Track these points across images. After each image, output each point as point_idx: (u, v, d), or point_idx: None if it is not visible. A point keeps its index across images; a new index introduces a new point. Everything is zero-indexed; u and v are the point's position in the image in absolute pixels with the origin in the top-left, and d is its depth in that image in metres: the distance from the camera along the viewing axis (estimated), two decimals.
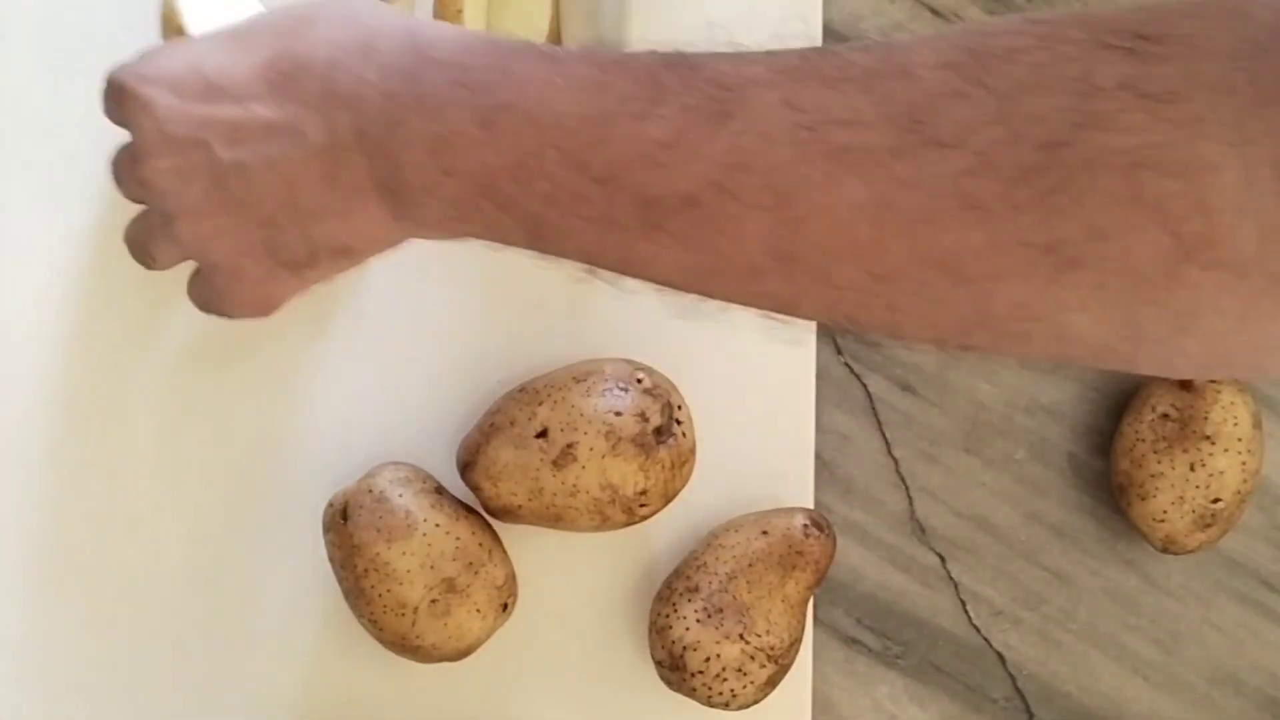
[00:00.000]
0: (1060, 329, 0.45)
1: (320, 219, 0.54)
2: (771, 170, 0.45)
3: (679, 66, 0.48)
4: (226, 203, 0.54)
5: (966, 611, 0.76)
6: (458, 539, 0.67)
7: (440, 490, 0.69)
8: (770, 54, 0.48)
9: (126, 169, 0.56)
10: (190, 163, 0.54)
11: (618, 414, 0.67)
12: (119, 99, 0.55)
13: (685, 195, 0.47)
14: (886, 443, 0.75)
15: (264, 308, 0.58)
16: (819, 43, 0.73)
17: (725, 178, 0.46)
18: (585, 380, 0.68)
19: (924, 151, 0.44)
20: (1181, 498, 0.71)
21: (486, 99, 0.49)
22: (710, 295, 0.51)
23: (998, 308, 0.45)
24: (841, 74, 0.45)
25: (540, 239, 0.51)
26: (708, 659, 0.67)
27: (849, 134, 0.45)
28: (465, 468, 0.69)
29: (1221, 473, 0.71)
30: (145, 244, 0.58)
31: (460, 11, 0.67)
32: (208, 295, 0.58)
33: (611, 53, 0.50)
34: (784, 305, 0.49)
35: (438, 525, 0.67)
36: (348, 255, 0.56)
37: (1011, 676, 0.76)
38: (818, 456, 0.74)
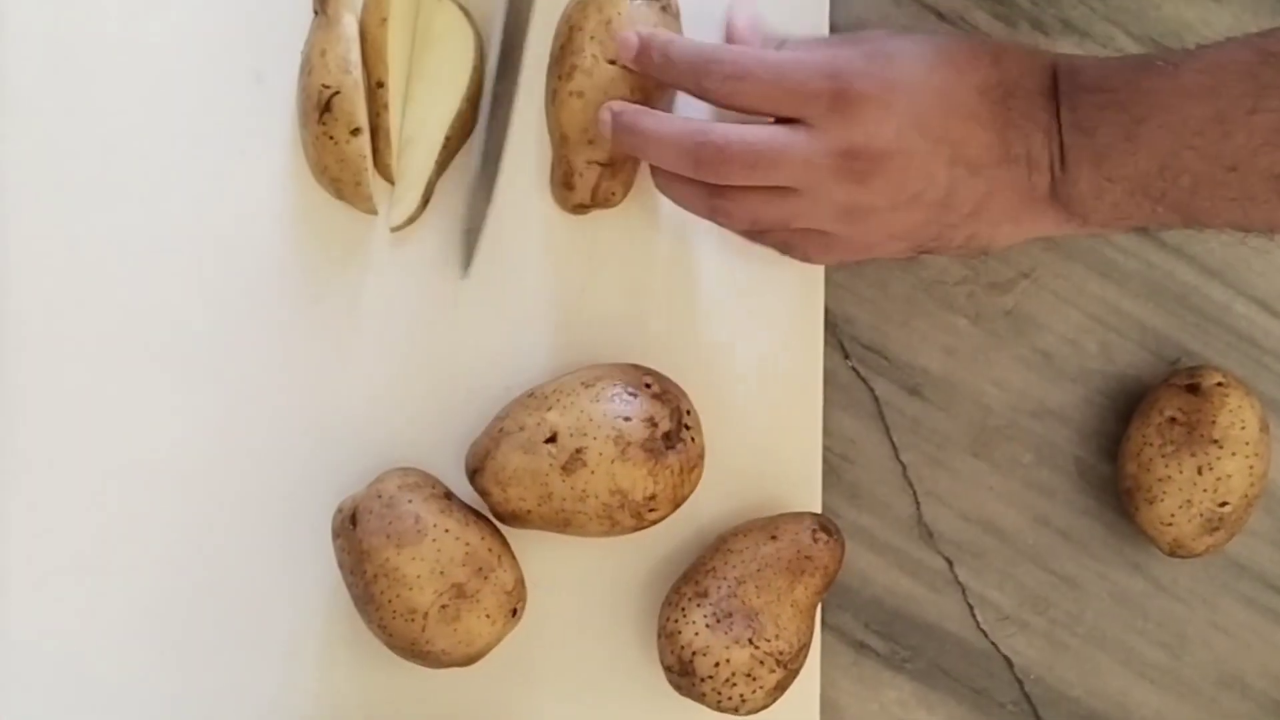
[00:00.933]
0: None
1: (997, 223, 0.64)
2: None
3: (1272, 60, 0.58)
4: (928, 206, 0.63)
5: (974, 615, 0.76)
6: (467, 544, 0.67)
7: (449, 496, 0.69)
8: None
9: (835, 164, 0.62)
10: (916, 167, 0.62)
11: (627, 419, 0.67)
12: (852, 101, 0.61)
13: None
14: (894, 447, 0.75)
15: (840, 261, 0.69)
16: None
17: None
18: (594, 385, 0.68)
19: None
20: (1189, 501, 0.71)
21: (1126, 115, 0.60)
22: None
23: None
24: None
25: (1193, 220, 0.62)
26: (717, 664, 0.67)
27: None
28: (474, 473, 0.69)
29: (1229, 476, 0.71)
30: (788, 222, 0.65)
31: (384, 21, 0.69)
32: (810, 251, 0.67)
33: (1216, 52, 0.60)
34: None
35: (447, 530, 0.67)
36: (987, 251, 0.67)
37: (1019, 680, 0.76)
38: (825, 461, 0.74)
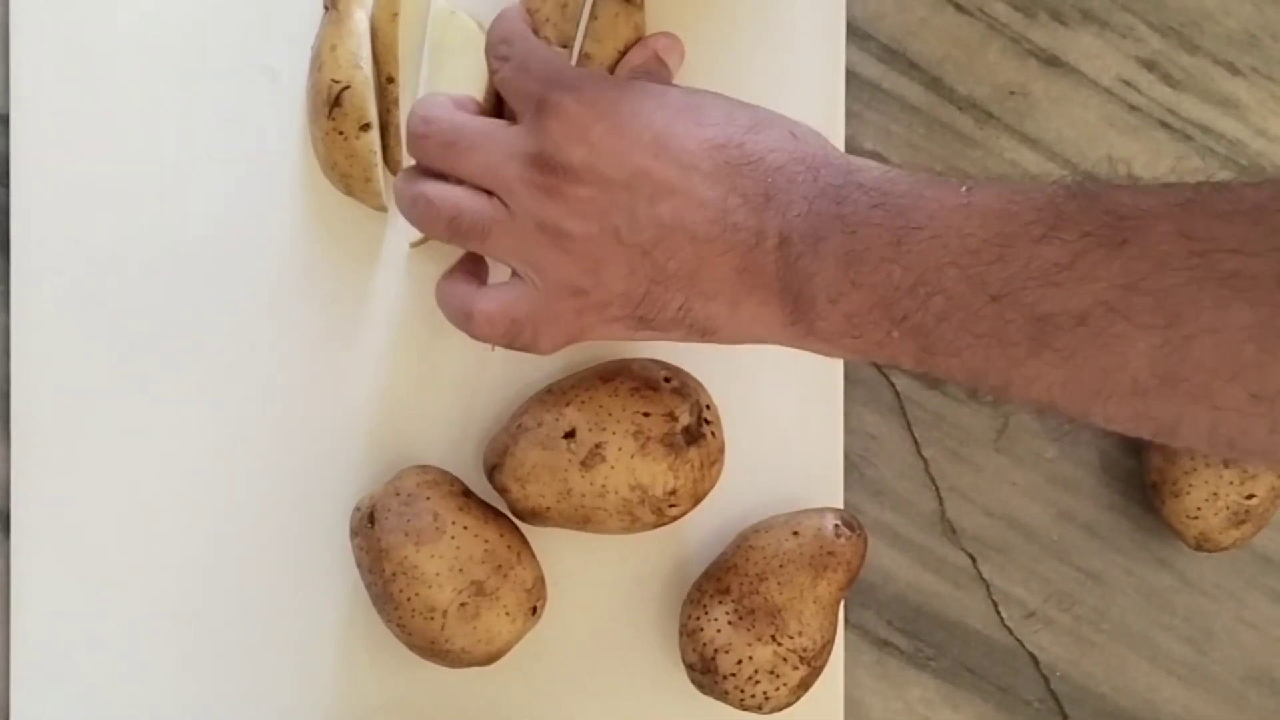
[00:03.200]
0: None
1: (709, 299, 0.58)
2: (1162, 293, 0.49)
3: (1080, 197, 0.52)
4: (628, 247, 0.58)
5: (998, 612, 0.75)
6: (486, 541, 0.66)
7: (467, 493, 0.68)
8: (1164, 187, 0.52)
9: (523, 169, 0.59)
10: (611, 199, 0.58)
11: (646, 414, 0.66)
12: (555, 110, 0.59)
13: (1076, 313, 0.51)
14: (916, 443, 0.75)
15: (566, 342, 0.62)
16: (842, 42, 0.73)
17: (1116, 298, 0.50)
18: (613, 380, 0.67)
19: None
20: (1215, 494, 0.71)
21: (900, 220, 0.54)
22: (1089, 417, 0.53)
23: None
24: (1233, 207, 0.49)
25: (928, 355, 0.55)
26: (740, 661, 0.67)
27: (1236, 262, 0.48)
28: (492, 470, 0.68)
29: (1256, 469, 0.70)
30: (487, 229, 0.61)
31: (395, 16, 0.69)
32: (521, 321, 0.61)
33: (1019, 183, 0.54)
34: (1163, 428, 0.52)
35: (466, 528, 0.66)
36: (707, 336, 0.60)
37: (1044, 678, 0.75)
38: (846, 457, 0.73)
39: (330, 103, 0.68)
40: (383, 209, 0.71)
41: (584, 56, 0.68)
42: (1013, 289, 0.52)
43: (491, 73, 0.65)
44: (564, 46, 0.67)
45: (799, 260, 0.56)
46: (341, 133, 0.68)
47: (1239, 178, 0.55)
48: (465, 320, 0.63)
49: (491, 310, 0.62)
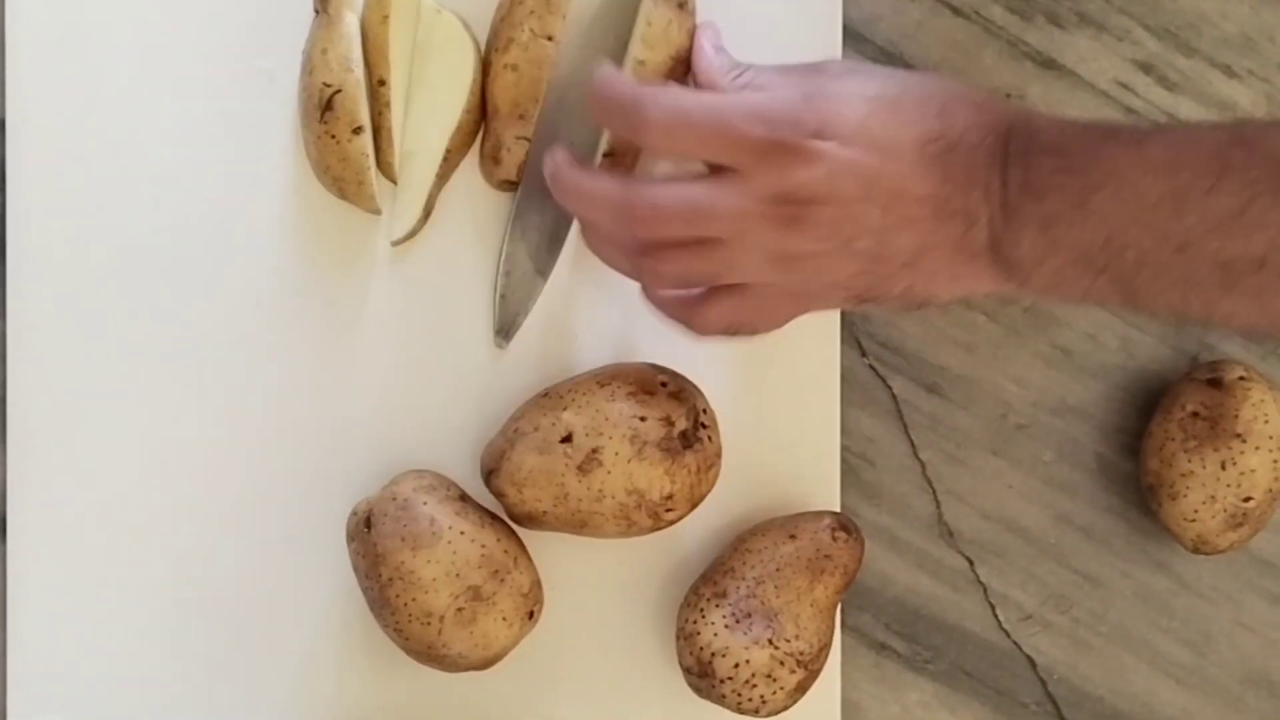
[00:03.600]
0: None
1: (931, 277, 0.61)
2: None
3: (1242, 144, 0.56)
4: (859, 255, 0.60)
5: (996, 615, 0.75)
6: (483, 546, 0.66)
7: (464, 498, 0.68)
8: None
9: (764, 210, 0.60)
10: (848, 215, 0.60)
11: (643, 418, 0.66)
12: (786, 149, 0.59)
13: (1255, 257, 0.55)
14: (913, 445, 0.75)
15: (782, 323, 0.65)
16: (838, 45, 0.73)
17: None
18: (609, 384, 0.67)
19: None
20: (1212, 497, 0.71)
21: (1080, 180, 0.58)
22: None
23: None
24: None
25: (1132, 299, 0.59)
26: (737, 665, 0.67)
27: None
28: (489, 474, 0.68)
29: (1253, 471, 0.70)
30: (720, 275, 0.62)
31: (386, 19, 0.69)
32: (741, 323, 0.64)
33: (1185, 130, 0.60)
34: None
35: (462, 533, 0.66)
36: (923, 306, 0.63)
37: (1042, 680, 0.75)
38: (843, 460, 0.73)
39: (322, 106, 0.68)
40: (376, 211, 0.71)
41: (637, 64, 0.68)
42: (1194, 239, 0.56)
43: (657, 141, 0.62)
44: (548, 39, 0.68)
45: (1005, 231, 0.59)
46: (334, 136, 0.68)
47: None
48: (685, 329, 0.65)
49: (713, 320, 0.64)
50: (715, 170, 0.61)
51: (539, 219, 0.71)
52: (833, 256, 0.61)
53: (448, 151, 0.70)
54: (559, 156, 0.64)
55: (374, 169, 0.69)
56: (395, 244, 0.71)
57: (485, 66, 0.70)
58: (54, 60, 0.71)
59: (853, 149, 0.59)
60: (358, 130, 0.68)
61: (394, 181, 0.71)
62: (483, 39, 0.71)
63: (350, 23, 0.69)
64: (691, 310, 0.64)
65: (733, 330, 0.64)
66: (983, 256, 0.60)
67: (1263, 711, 0.76)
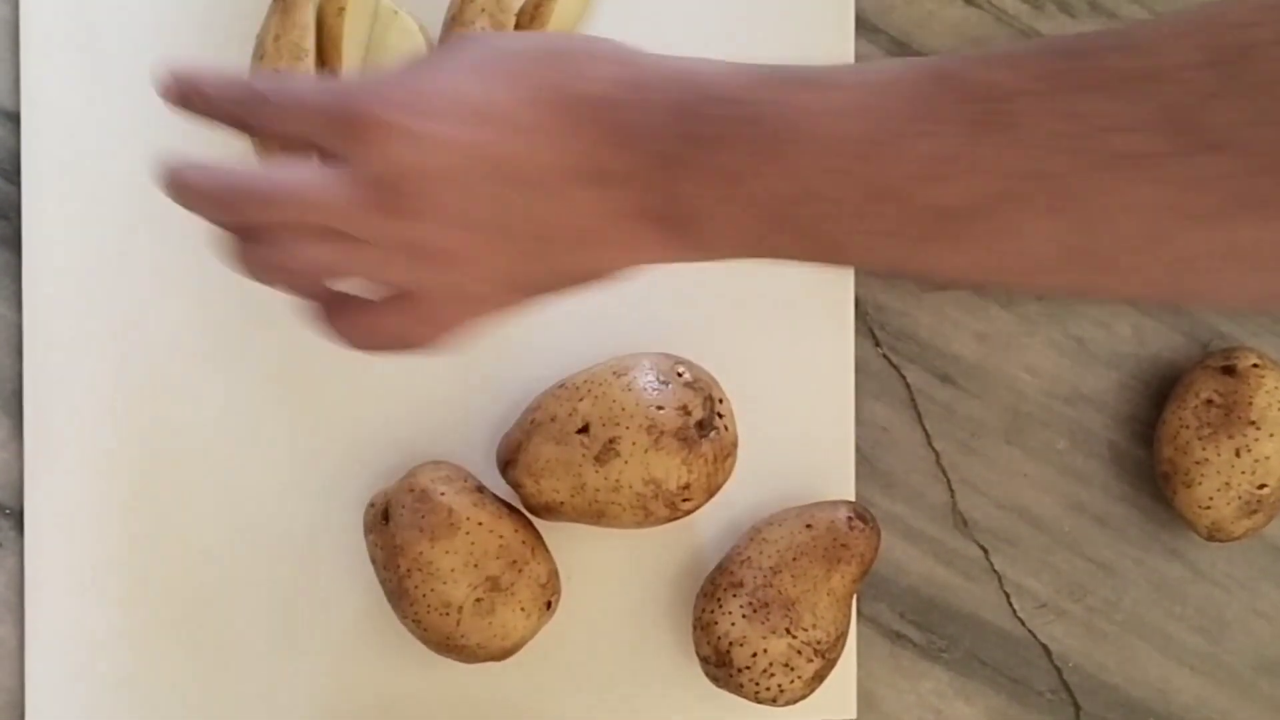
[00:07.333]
0: None
1: (588, 249, 0.54)
2: (1056, 178, 0.47)
3: (946, 81, 0.49)
4: (489, 233, 0.53)
5: (1010, 604, 0.75)
6: (501, 537, 0.66)
7: (481, 489, 0.68)
8: (1025, 55, 0.49)
9: (356, 196, 0.53)
10: (453, 191, 0.53)
11: (659, 408, 0.66)
12: (369, 126, 0.52)
13: (972, 206, 0.48)
14: (927, 435, 0.75)
15: (460, 336, 0.57)
16: (851, 34, 0.73)
17: (1012, 187, 0.48)
18: (625, 374, 0.67)
19: (1202, 154, 0.45)
20: (1227, 484, 0.71)
21: (766, 129, 0.51)
22: (1000, 287, 0.54)
23: None
24: (1102, 78, 0.47)
25: (827, 253, 0.53)
26: (754, 654, 0.67)
27: (1126, 140, 0.46)
28: (506, 465, 0.68)
29: (1267, 458, 0.70)
30: (340, 270, 0.55)
31: (342, 11, 0.68)
32: (404, 326, 0.56)
33: (883, 69, 0.52)
34: (1075, 294, 0.54)
35: (480, 523, 0.66)
36: (597, 279, 0.56)
37: (1057, 668, 0.75)
38: (858, 450, 0.73)
39: None
40: None
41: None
42: (903, 189, 0.49)
43: (259, 126, 0.56)
44: None
45: (676, 188, 0.52)
46: None
47: (1089, 33, 0.53)
48: (344, 342, 0.57)
49: (363, 329, 0.56)
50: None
51: None
52: (474, 245, 0.54)
53: None
54: (170, 163, 0.56)
55: None
56: None
57: None
58: (67, 54, 0.71)
59: (455, 117, 0.53)
60: None
61: None
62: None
63: (306, 13, 0.69)
64: (346, 320, 0.57)
65: (394, 344, 0.56)
66: (657, 220, 0.53)
67: (1277, 698, 0.76)
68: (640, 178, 0.52)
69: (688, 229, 0.53)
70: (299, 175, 0.54)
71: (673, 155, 0.52)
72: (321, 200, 0.53)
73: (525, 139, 0.52)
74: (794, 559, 0.68)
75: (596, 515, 0.68)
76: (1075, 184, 0.47)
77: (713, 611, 0.68)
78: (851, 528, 0.69)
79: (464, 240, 0.53)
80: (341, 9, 0.69)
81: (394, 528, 0.66)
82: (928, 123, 0.49)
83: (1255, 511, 0.71)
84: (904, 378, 0.75)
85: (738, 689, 0.68)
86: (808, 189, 0.50)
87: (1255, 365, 0.71)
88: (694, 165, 0.51)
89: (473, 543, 0.66)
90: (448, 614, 0.66)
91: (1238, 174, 0.45)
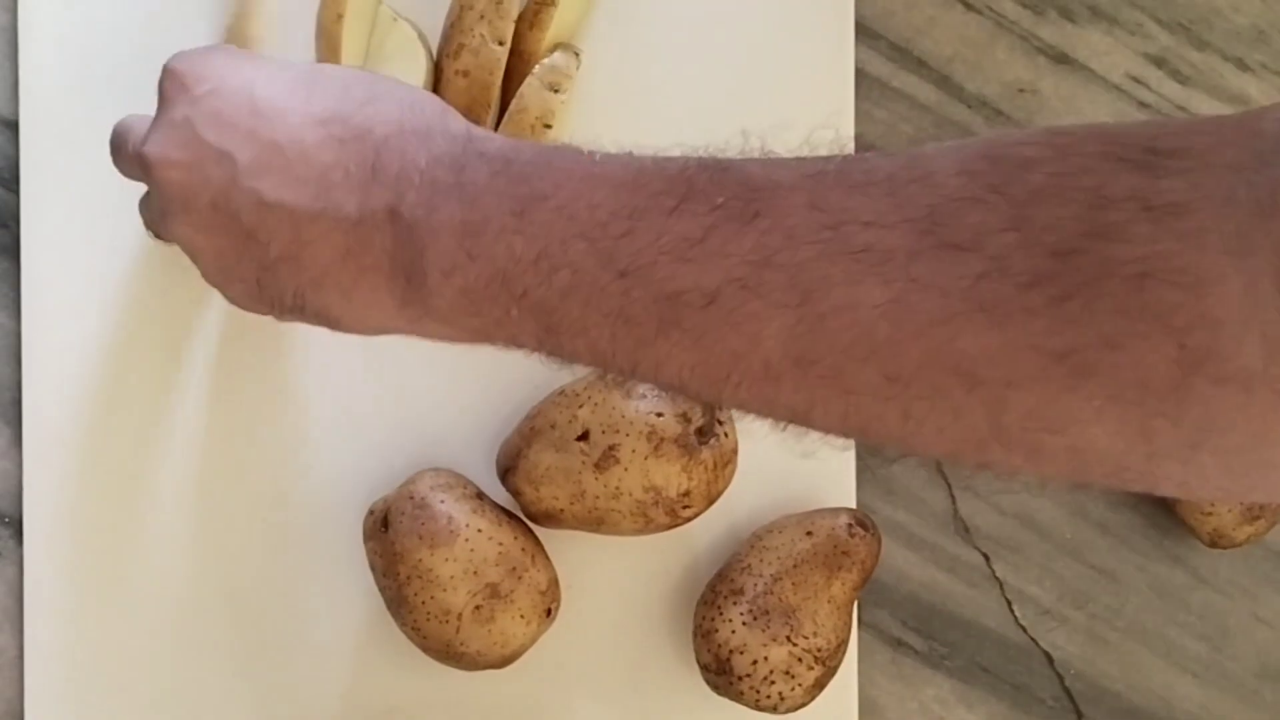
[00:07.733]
0: (1075, 441, 0.44)
1: (319, 287, 0.54)
2: (795, 268, 0.46)
3: (711, 168, 0.49)
4: (231, 228, 0.54)
5: (1012, 611, 0.75)
6: (500, 544, 0.66)
7: (481, 496, 0.68)
8: (799, 160, 0.49)
9: (137, 148, 0.57)
10: (205, 172, 0.54)
11: (659, 415, 0.66)
12: (165, 74, 0.57)
13: (707, 291, 0.47)
14: None
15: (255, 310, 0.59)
16: (851, 40, 0.73)
17: (749, 275, 0.46)
18: (625, 382, 0.67)
19: (941, 254, 0.44)
20: None
21: (524, 188, 0.50)
22: (719, 400, 0.52)
23: (1011, 417, 0.44)
24: (866, 178, 0.47)
25: (552, 334, 0.51)
26: (755, 662, 0.67)
27: (870, 235, 0.45)
28: (506, 472, 0.68)
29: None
30: (152, 222, 0.61)
31: (340, 17, 0.68)
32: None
33: (649, 155, 0.51)
34: (797, 414, 0.49)
35: (480, 530, 0.66)
36: (334, 327, 0.56)
37: (1059, 676, 0.75)
38: (858, 456, 0.73)
39: None
40: None
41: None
42: (642, 264, 0.48)
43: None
44: (499, 44, 0.68)
45: (411, 234, 0.51)
46: None
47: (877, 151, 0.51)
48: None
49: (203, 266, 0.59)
50: None
51: None
52: (202, 228, 0.56)
53: None
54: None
55: None
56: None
57: (437, 72, 0.70)
58: (66, 60, 0.71)
59: (229, 103, 0.55)
60: None
61: None
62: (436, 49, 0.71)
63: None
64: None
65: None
66: (379, 268, 0.52)
67: (1279, 705, 0.76)
68: (394, 224, 0.52)
69: (420, 287, 0.52)
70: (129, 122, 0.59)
71: (433, 206, 0.51)
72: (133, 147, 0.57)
73: (294, 156, 0.53)
74: (795, 566, 0.68)
75: (596, 522, 0.67)
76: (809, 276, 0.46)
77: (713, 619, 0.68)
78: (852, 535, 0.68)
79: (203, 229, 0.56)
80: (340, 15, 0.69)
81: (393, 535, 0.66)
82: (684, 200, 0.48)
83: (1257, 518, 0.71)
84: None
85: (738, 696, 0.68)
86: (546, 253, 0.49)
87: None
88: (447, 217, 0.51)
89: (472, 550, 0.66)
90: (447, 621, 0.65)
91: (973, 276, 0.43)
